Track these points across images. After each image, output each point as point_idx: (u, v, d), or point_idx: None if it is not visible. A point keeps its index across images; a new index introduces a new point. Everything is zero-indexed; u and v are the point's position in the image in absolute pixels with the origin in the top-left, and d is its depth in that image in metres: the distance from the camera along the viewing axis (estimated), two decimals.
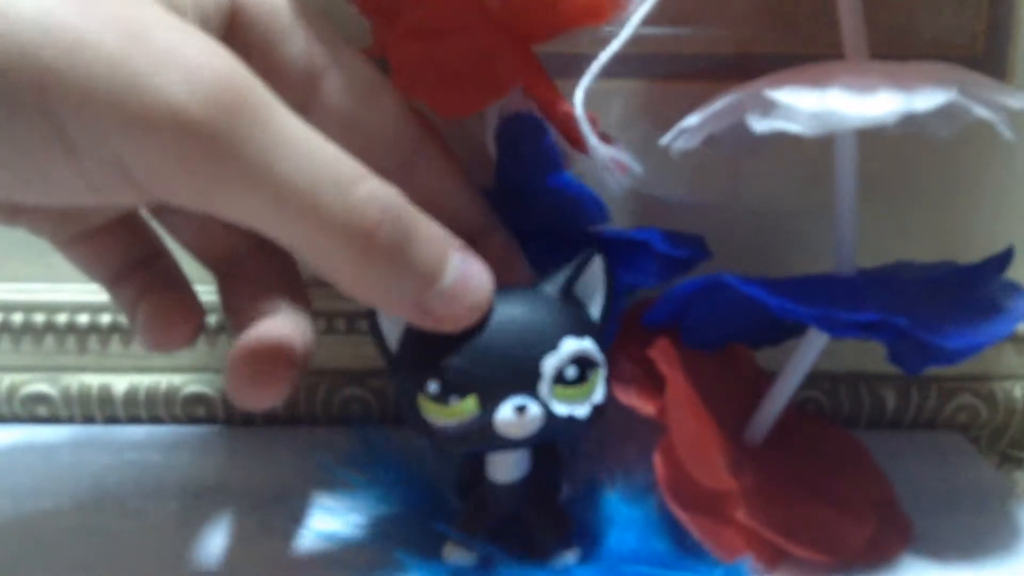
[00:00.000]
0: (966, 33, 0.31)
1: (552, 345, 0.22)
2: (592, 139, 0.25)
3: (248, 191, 0.18)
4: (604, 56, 0.25)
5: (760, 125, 0.22)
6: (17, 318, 0.35)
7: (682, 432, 0.25)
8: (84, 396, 0.35)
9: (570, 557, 0.24)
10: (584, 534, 0.25)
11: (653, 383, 0.26)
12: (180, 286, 0.26)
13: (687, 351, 0.27)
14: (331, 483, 0.29)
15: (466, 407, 0.22)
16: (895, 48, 0.31)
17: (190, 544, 0.27)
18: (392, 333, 0.23)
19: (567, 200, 0.26)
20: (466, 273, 0.21)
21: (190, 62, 0.18)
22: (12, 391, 0.35)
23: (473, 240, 0.26)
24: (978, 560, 0.27)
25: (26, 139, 0.17)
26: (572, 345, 0.22)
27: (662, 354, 0.26)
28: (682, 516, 0.25)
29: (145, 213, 0.27)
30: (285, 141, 0.18)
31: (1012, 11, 0.31)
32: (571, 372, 0.22)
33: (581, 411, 0.22)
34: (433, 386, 0.22)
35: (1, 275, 0.34)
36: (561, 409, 0.22)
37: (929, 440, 0.34)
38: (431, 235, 0.21)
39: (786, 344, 0.30)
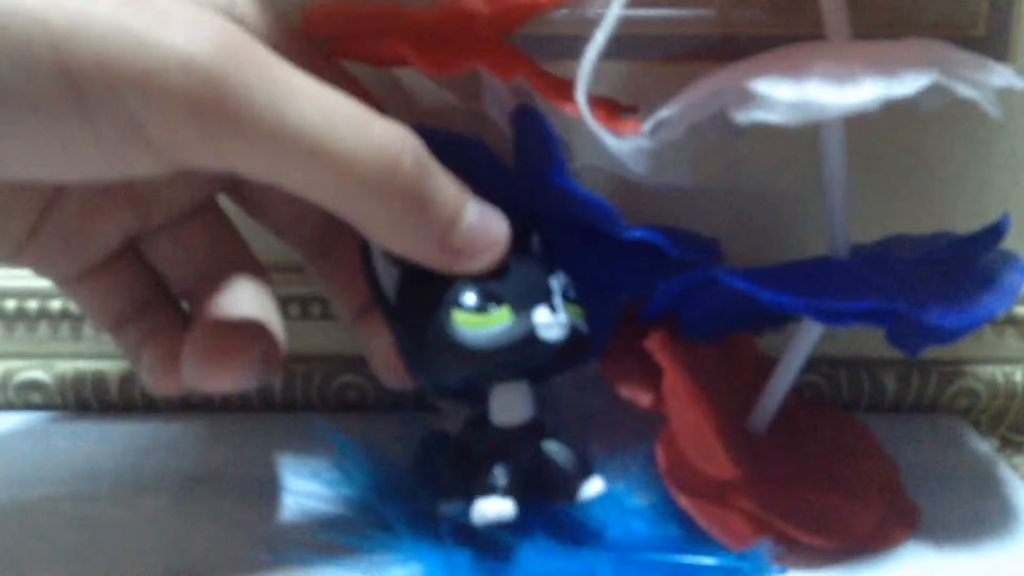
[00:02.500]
0: (969, 13, 0.31)
1: (551, 270, 0.24)
2: (607, 138, 0.25)
3: (265, 136, 0.19)
4: (591, 53, 0.24)
5: (741, 117, 0.22)
6: (10, 304, 0.34)
7: (682, 422, 0.25)
8: (79, 383, 0.34)
9: (596, 486, 0.24)
10: (589, 528, 0.24)
11: (650, 375, 0.26)
12: (182, 328, 0.26)
13: (685, 341, 0.27)
14: (327, 470, 0.29)
15: (503, 314, 0.23)
16: (896, 28, 0.30)
17: (185, 532, 0.27)
18: (387, 278, 0.24)
19: (576, 200, 0.26)
20: (484, 211, 0.22)
21: (190, 17, 0.18)
22: (6, 378, 0.34)
23: None
24: (978, 544, 0.27)
25: (46, 106, 0.18)
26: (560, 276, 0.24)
27: (658, 345, 0.26)
28: (687, 505, 0.25)
29: (139, 257, 0.27)
30: (294, 85, 0.19)
31: None
32: (571, 291, 0.24)
33: (583, 327, 0.24)
34: (470, 296, 0.23)
35: None
36: (572, 321, 0.24)
37: (929, 424, 0.34)
38: (446, 173, 0.22)
39: (788, 328, 0.30)
